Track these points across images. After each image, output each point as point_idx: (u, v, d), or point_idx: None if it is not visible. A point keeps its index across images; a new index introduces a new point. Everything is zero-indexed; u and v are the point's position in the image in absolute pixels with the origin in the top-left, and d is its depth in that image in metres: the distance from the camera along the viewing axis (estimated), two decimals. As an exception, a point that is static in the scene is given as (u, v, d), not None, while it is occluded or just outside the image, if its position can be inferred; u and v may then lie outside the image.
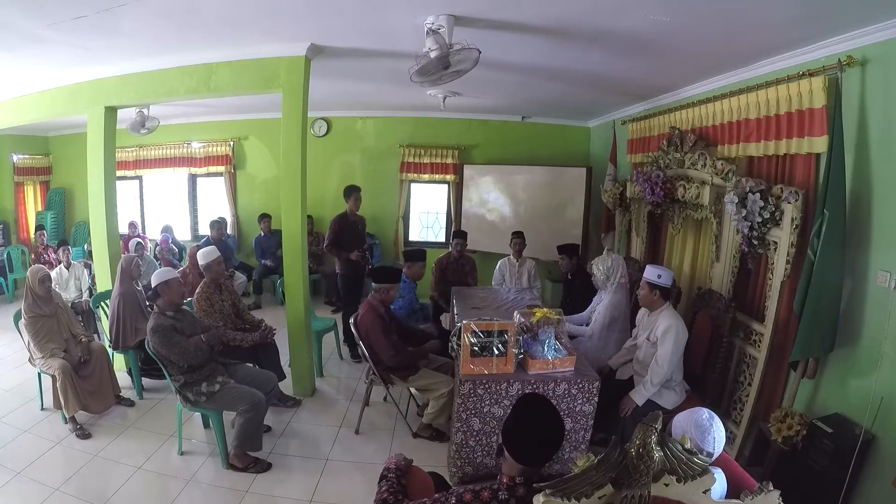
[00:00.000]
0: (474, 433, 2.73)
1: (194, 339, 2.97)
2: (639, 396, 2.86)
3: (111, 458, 3.02)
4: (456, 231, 5.43)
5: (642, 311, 3.13)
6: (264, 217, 6.39)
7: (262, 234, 6.43)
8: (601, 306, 3.56)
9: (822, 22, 2.44)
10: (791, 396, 2.83)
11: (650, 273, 2.96)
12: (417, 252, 4.31)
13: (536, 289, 4.75)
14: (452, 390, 3.22)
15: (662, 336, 2.83)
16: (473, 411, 2.71)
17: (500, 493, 1.40)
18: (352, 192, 4.77)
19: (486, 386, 2.68)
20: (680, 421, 1.72)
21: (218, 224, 6.24)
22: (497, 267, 4.98)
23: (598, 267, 3.55)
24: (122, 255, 4.32)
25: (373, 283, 3.38)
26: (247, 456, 2.95)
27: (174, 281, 3.04)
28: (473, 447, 2.75)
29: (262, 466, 2.94)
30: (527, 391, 2.68)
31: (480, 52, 2.67)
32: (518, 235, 4.95)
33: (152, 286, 3.01)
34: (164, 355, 2.88)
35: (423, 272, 4.30)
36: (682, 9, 2.43)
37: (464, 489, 1.46)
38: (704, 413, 1.69)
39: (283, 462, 3.05)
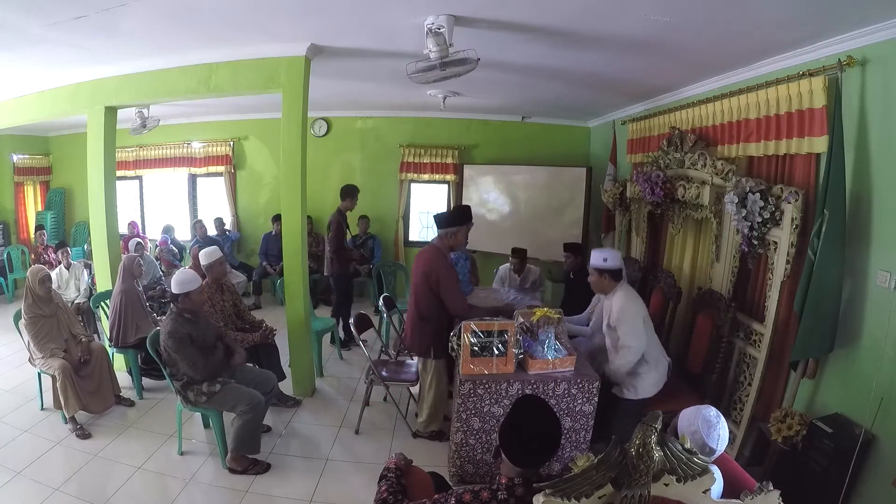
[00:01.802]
0: (474, 432, 2.73)
1: (212, 360, 2.95)
2: (618, 389, 2.86)
3: (111, 458, 3.02)
4: None
5: (595, 299, 3.08)
6: (278, 219, 6.32)
7: (273, 232, 6.44)
8: (600, 306, 3.55)
9: (822, 22, 2.44)
10: (791, 396, 2.83)
11: (595, 258, 2.91)
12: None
13: (539, 293, 4.67)
14: (441, 391, 3.24)
15: (618, 318, 2.82)
16: (473, 411, 2.71)
17: (500, 493, 1.41)
18: (353, 191, 4.85)
19: (486, 386, 2.68)
20: (686, 415, 1.72)
21: (200, 224, 6.52)
22: (497, 273, 4.86)
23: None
24: (125, 255, 4.33)
25: (438, 230, 3.12)
26: (245, 458, 2.93)
27: (195, 293, 3.00)
28: (473, 445, 2.76)
29: (261, 468, 2.92)
30: (527, 391, 2.68)
31: (479, 60, 2.70)
32: (517, 254, 4.68)
33: (172, 292, 2.96)
34: (173, 359, 2.88)
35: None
36: (683, 9, 2.43)
37: (463, 489, 1.46)
38: (713, 410, 1.71)
39: (283, 462, 3.05)
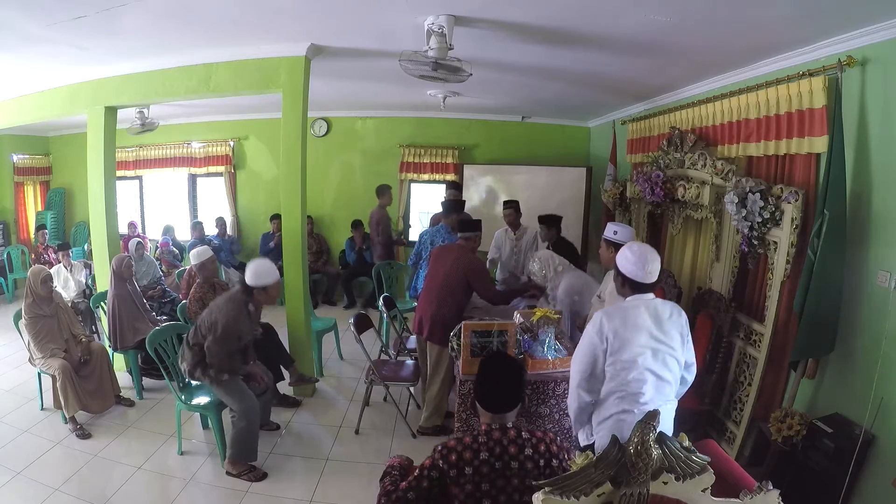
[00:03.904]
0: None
1: (234, 361, 2.88)
2: None
3: (111, 458, 3.02)
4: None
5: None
6: (276, 218, 6.35)
7: (272, 232, 6.45)
8: (560, 297, 3.49)
9: (822, 22, 2.44)
10: (791, 396, 2.82)
11: (608, 230, 2.94)
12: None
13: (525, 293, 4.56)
14: (448, 383, 3.27)
15: (609, 297, 2.79)
16: (473, 411, 2.70)
17: (480, 437, 1.60)
18: (384, 189, 6.00)
19: (486, 386, 2.68)
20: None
21: (198, 225, 6.52)
22: (493, 240, 4.63)
23: (531, 268, 3.59)
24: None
25: (460, 234, 3.50)
26: (241, 463, 2.89)
27: (274, 287, 2.91)
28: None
29: (257, 475, 2.87)
30: (526, 391, 2.69)
31: (471, 75, 2.87)
32: (510, 206, 4.47)
33: (247, 283, 2.86)
34: (204, 334, 2.80)
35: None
36: (682, 9, 2.43)
37: (447, 439, 1.64)
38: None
39: (283, 462, 3.06)
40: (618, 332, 1.95)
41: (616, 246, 2.84)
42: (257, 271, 2.87)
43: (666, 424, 2.06)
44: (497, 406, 1.64)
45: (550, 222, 4.31)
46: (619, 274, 2.07)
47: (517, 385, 1.69)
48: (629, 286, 2.04)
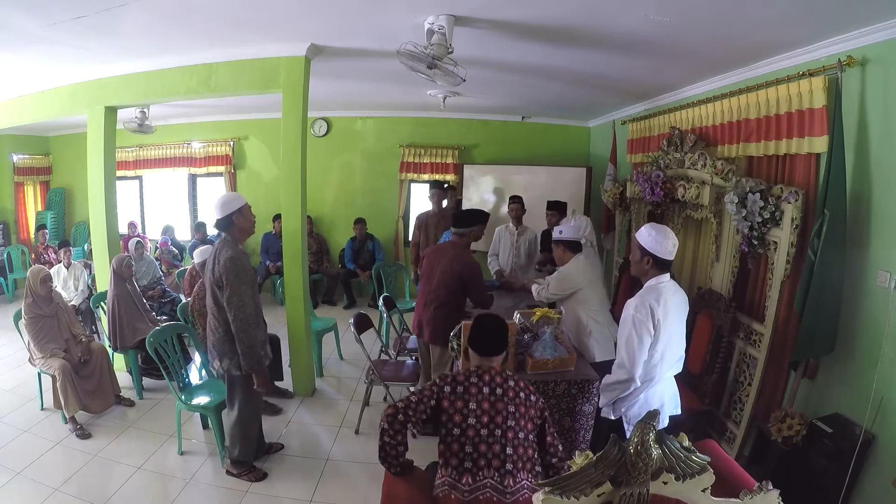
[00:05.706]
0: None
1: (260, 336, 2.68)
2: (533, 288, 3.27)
3: (111, 458, 3.02)
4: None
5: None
6: (278, 218, 6.36)
7: (273, 232, 6.42)
8: None
9: (822, 22, 2.44)
10: (791, 396, 2.83)
11: (554, 232, 3.16)
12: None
13: (537, 262, 4.53)
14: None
15: (555, 272, 3.13)
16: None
17: (471, 369, 1.94)
18: (435, 186, 5.77)
19: (486, 386, 2.68)
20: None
21: (202, 226, 6.54)
22: (495, 235, 4.67)
23: (564, 221, 3.59)
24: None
25: (454, 228, 3.35)
26: (241, 462, 2.88)
27: (247, 208, 2.69)
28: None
29: (257, 475, 2.86)
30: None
31: (464, 80, 2.94)
32: (516, 200, 4.58)
33: (218, 219, 2.63)
34: (224, 293, 2.56)
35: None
36: (683, 9, 2.43)
37: (436, 377, 1.97)
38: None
39: (283, 462, 3.06)
40: (664, 317, 2.06)
41: (566, 244, 3.08)
42: (224, 200, 2.63)
43: (673, 390, 2.27)
44: (487, 350, 1.98)
45: (562, 209, 4.32)
46: (644, 255, 2.14)
47: (503, 335, 2.04)
48: (655, 265, 2.12)
